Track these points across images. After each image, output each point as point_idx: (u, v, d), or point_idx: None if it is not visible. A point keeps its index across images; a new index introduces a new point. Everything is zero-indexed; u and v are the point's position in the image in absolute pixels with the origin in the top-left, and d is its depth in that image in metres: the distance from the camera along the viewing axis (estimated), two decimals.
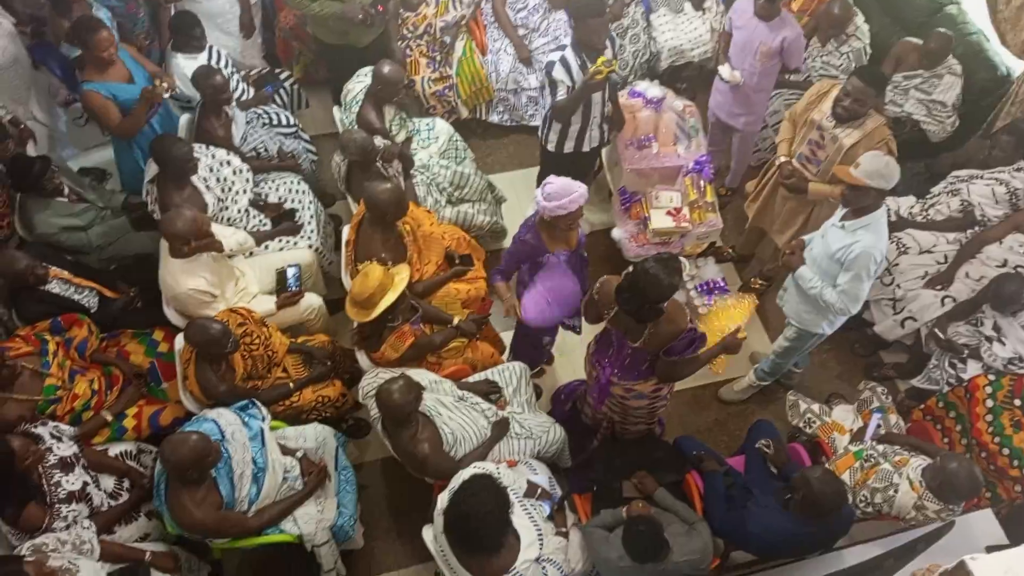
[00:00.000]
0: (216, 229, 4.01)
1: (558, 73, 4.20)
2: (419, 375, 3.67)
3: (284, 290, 4.26)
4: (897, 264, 4.61)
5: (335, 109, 5.04)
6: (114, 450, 3.71)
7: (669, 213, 4.84)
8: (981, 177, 4.56)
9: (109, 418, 3.79)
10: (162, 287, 4.00)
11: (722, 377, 4.77)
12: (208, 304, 3.96)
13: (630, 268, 4.87)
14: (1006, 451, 3.92)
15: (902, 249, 4.62)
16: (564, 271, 3.94)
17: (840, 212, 3.80)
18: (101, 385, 3.83)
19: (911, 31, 5.26)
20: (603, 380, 3.69)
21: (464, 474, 3.24)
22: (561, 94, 4.25)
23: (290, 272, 4.30)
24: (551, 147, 4.63)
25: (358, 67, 4.98)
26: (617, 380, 3.64)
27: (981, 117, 5.05)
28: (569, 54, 4.20)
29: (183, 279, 3.86)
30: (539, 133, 4.74)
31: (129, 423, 3.86)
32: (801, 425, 4.23)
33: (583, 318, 3.85)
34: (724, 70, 4.80)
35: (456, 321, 4.03)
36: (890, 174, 3.54)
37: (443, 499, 3.17)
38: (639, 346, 3.43)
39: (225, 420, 3.50)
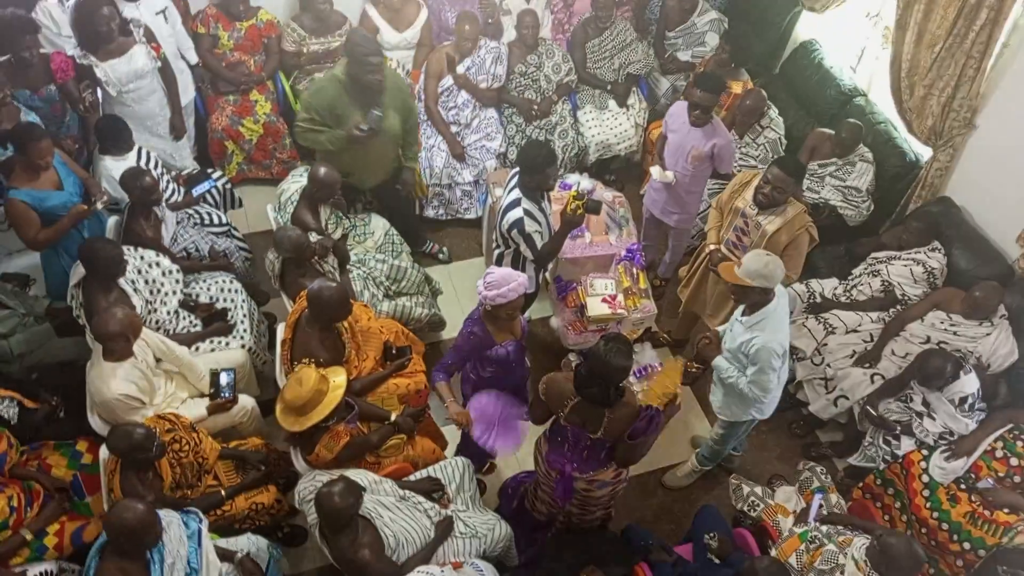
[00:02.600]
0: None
1: (530, 227, 4.15)
2: (358, 476, 3.57)
3: (217, 396, 4.14)
4: (826, 344, 4.72)
5: (268, 208, 5.03)
6: (33, 571, 3.51)
7: (605, 300, 4.91)
8: (899, 258, 4.75)
9: (28, 536, 3.58)
10: (90, 391, 3.85)
11: (664, 463, 4.78)
12: (136, 411, 3.82)
13: (569, 357, 4.98)
14: (945, 526, 3.97)
15: (829, 329, 4.75)
16: (498, 397, 3.92)
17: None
18: (20, 502, 3.62)
19: (823, 122, 5.55)
20: (565, 477, 3.62)
21: None
22: (539, 243, 4.23)
23: (223, 379, 4.16)
24: (531, 291, 4.49)
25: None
26: (579, 475, 3.59)
27: (895, 200, 5.28)
28: (527, 204, 4.15)
29: (114, 384, 3.73)
30: None
31: (50, 541, 3.66)
32: (745, 508, 4.23)
33: (529, 419, 3.83)
34: (656, 171, 4.91)
35: (393, 417, 3.94)
36: (770, 273, 3.63)
37: None
38: (600, 436, 3.41)
39: (164, 512, 3.32)
